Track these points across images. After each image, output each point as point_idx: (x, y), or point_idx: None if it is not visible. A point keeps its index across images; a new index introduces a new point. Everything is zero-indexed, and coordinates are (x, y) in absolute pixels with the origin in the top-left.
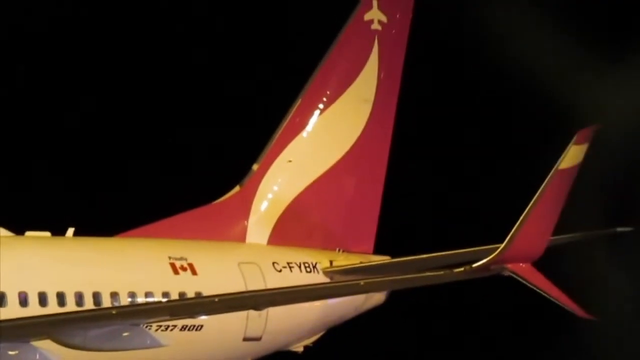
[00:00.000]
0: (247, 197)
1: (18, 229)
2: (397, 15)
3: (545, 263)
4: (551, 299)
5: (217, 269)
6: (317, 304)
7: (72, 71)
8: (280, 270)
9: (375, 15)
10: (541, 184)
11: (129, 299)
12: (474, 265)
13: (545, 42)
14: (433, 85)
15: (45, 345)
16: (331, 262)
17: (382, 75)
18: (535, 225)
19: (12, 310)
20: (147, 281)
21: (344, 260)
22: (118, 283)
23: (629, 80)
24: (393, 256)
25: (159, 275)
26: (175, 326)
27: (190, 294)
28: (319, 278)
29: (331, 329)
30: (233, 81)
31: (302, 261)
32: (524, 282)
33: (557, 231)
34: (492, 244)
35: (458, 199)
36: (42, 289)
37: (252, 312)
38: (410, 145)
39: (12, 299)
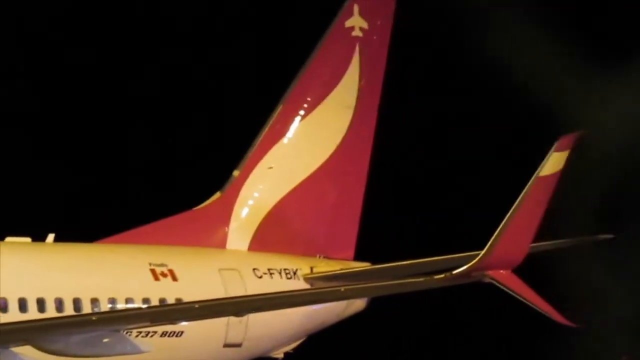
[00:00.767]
0: (228, 204)
1: None
2: (378, 22)
3: (532, 269)
4: (531, 305)
5: (197, 275)
6: (298, 310)
7: (51, 76)
8: (260, 277)
9: (356, 22)
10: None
11: (110, 305)
12: (455, 272)
13: (534, 46)
14: (416, 90)
15: (25, 351)
16: (312, 269)
17: (363, 82)
18: (515, 233)
19: None
20: (127, 287)
21: (324, 267)
22: (98, 289)
23: (618, 86)
24: (374, 263)
25: (140, 282)
26: (155, 332)
27: (171, 300)
28: (299, 284)
29: (312, 335)
30: (213, 86)
31: (282, 267)
32: (504, 288)
33: (540, 237)
34: (473, 251)
35: (439, 206)
36: (22, 295)
37: (232, 319)
38: (391, 151)
39: None
